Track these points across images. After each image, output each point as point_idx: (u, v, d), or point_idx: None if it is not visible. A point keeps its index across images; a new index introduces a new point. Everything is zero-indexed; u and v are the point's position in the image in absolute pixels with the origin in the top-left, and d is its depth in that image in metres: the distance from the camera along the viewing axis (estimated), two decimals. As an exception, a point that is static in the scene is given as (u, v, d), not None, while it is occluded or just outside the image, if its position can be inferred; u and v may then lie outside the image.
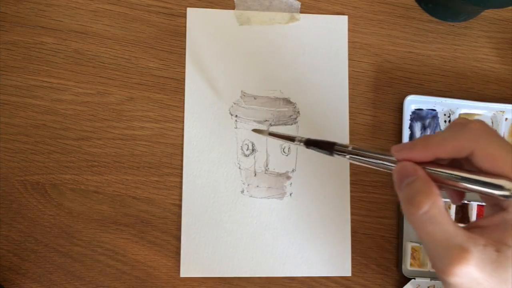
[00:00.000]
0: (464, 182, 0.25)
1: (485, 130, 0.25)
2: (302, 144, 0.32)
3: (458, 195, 0.29)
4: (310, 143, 0.31)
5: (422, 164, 0.26)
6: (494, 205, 0.27)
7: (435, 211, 0.25)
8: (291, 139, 0.33)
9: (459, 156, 0.26)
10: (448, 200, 0.41)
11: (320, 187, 0.41)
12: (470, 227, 0.26)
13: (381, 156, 0.28)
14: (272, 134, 0.37)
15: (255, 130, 0.39)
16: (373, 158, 0.28)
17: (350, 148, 0.29)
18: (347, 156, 0.29)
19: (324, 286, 0.41)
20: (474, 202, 0.41)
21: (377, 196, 0.42)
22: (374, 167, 0.28)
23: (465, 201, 0.41)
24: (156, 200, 0.40)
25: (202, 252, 0.40)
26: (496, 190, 0.24)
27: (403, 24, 0.44)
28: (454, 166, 0.26)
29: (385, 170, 0.28)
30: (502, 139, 0.25)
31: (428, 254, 0.26)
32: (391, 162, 0.27)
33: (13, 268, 0.39)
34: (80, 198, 0.40)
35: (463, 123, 0.26)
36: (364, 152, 0.28)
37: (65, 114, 0.40)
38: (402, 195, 0.26)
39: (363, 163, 0.28)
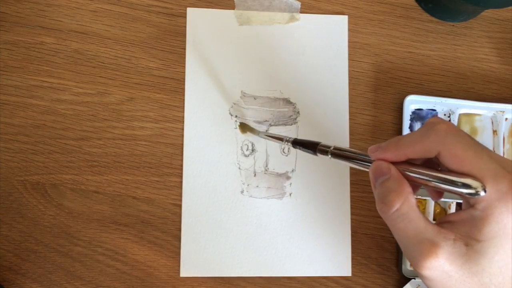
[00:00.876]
0: (434, 181, 0.26)
1: (451, 131, 0.26)
2: (289, 144, 0.35)
3: (437, 192, 0.30)
4: (296, 143, 0.34)
5: (396, 163, 0.27)
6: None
7: (406, 209, 0.26)
8: (280, 139, 0.36)
9: (429, 156, 0.27)
10: (449, 200, 0.41)
11: (320, 187, 0.42)
12: (441, 222, 0.27)
13: (359, 156, 0.29)
14: (262, 134, 0.39)
15: (244, 129, 0.41)
16: (352, 158, 0.29)
17: (331, 148, 0.30)
18: (329, 156, 0.30)
19: (324, 286, 0.41)
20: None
21: (377, 196, 0.42)
22: (355, 166, 0.30)
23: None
24: (156, 200, 0.40)
25: (202, 252, 0.40)
26: (464, 188, 0.25)
27: (403, 24, 0.44)
28: (430, 165, 0.28)
29: (364, 170, 0.29)
30: (469, 139, 0.26)
31: (402, 250, 0.27)
32: (369, 162, 0.28)
33: (13, 268, 0.39)
34: (80, 198, 0.40)
35: (433, 122, 0.27)
36: (344, 152, 0.30)
37: (65, 114, 0.40)
38: (376, 193, 0.27)
39: (344, 162, 0.30)
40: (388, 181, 0.27)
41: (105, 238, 0.40)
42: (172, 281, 0.40)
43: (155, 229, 0.40)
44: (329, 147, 0.31)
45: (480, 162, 0.25)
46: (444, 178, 0.25)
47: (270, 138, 0.38)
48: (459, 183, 0.25)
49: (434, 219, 0.41)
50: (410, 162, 0.27)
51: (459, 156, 0.25)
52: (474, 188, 0.25)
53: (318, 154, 0.31)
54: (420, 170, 0.26)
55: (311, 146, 0.32)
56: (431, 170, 0.26)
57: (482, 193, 0.24)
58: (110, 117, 0.41)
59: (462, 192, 0.25)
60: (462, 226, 0.26)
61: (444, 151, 0.26)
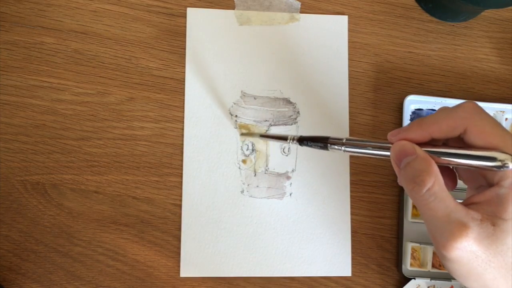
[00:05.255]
0: (458, 158, 0.26)
1: (477, 108, 0.27)
2: (295, 142, 0.33)
3: (451, 181, 0.30)
4: (304, 140, 0.33)
5: (417, 145, 0.27)
6: (479, 187, 0.28)
7: (437, 188, 0.26)
8: (283, 138, 0.34)
9: (453, 135, 0.27)
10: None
11: (320, 187, 0.42)
12: (467, 204, 0.27)
13: (377, 144, 0.29)
14: (263, 136, 0.38)
15: (244, 134, 0.40)
16: (368, 147, 0.29)
17: (344, 140, 0.30)
18: (343, 148, 0.30)
19: (324, 286, 0.41)
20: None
21: (377, 196, 0.42)
22: (371, 156, 0.29)
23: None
24: (156, 200, 0.40)
25: (202, 252, 0.40)
26: (489, 162, 0.25)
27: (403, 24, 0.44)
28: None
29: (382, 157, 0.29)
30: (491, 117, 0.27)
31: (429, 230, 0.27)
32: (387, 147, 0.28)
33: (13, 268, 0.39)
34: (80, 198, 0.40)
35: (453, 106, 0.27)
36: (358, 142, 0.29)
37: (65, 114, 0.40)
38: (404, 174, 0.27)
39: (359, 153, 0.29)
40: (415, 161, 0.26)
41: (105, 238, 0.40)
42: (172, 281, 0.40)
43: (155, 229, 0.40)
44: (341, 139, 0.30)
45: (506, 137, 0.25)
46: (470, 154, 0.25)
47: (273, 139, 0.37)
48: (485, 157, 0.25)
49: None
50: (429, 144, 0.27)
51: (487, 132, 0.26)
52: (501, 161, 0.25)
53: (330, 149, 0.30)
54: (443, 149, 0.26)
55: (321, 141, 0.31)
56: (454, 148, 0.26)
57: (510, 165, 0.24)
58: (110, 117, 0.41)
59: (488, 166, 0.25)
60: (488, 206, 0.26)
61: (472, 127, 0.26)
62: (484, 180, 0.28)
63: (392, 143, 0.28)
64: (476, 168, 0.26)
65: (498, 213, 0.25)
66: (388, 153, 0.28)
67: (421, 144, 0.27)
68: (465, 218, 0.25)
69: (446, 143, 0.29)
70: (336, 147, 0.30)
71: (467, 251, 0.25)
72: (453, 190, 0.32)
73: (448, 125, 0.27)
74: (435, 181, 0.26)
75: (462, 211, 0.25)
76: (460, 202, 0.26)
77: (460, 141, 0.27)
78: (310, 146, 0.32)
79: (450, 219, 0.25)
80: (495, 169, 0.25)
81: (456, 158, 0.26)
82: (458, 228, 0.25)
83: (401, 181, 0.28)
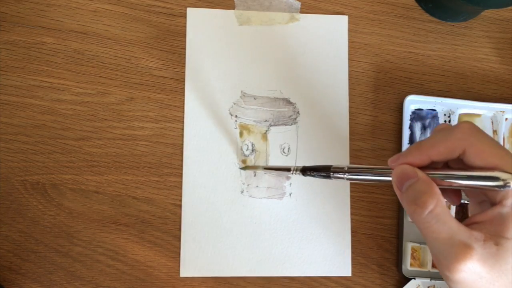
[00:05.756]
0: (460, 180, 0.26)
1: (474, 129, 0.27)
2: (298, 172, 0.34)
3: (456, 196, 0.30)
4: (306, 170, 0.33)
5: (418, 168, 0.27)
6: (482, 202, 0.28)
7: (439, 209, 0.26)
8: (286, 169, 0.34)
9: (452, 157, 0.27)
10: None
11: (320, 187, 0.41)
12: (469, 224, 0.27)
13: (378, 170, 0.29)
14: (267, 168, 0.39)
15: (247, 167, 0.40)
16: (370, 174, 0.29)
17: (345, 168, 0.30)
18: (345, 176, 0.30)
19: (324, 286, 0.41)
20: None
21: (377, 196, 0.42)
22: (374, 179, 0.29)
23: (466, 201, 0.41)
24: (156, 200, 0.40)
25: (202, 252, 0.40)
26: (491, 182, 0.25)
27: (403, 24, 0.44)
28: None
29: (385, 183, 0.29)
30: (489, 136, 0.27)
31: (433, 253, 0.27)
32: (389, 172, 0.28)
33: (13, 268, 0.39)
34: (80, 198, 0.40)
35: (450, 126, 0.28)
36: (360, 169, 0.29)
37: (65, 114, 0.40)
38: (406, 197, 0.27)
39: (362, 180, 0.29)
40: (417, 183, 0.26)
41: (105, 238, 0.40)
42: (172, 281, 0.40)
43: (155, 229, 0.40)
44: (342, 167, 0.30)
45: (506, 157, 0.25)
46: (471, 175, 0.26)
47: (275, 170, 0.38)
48: (487, 177, 0.25)
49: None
50: (430, 167, 0.27)
51: (486, 152, 0.26)
52: (504, 180, 0.25)
53: (333, 177, 0.31)
54: (444, 172, 0.27)
55: (323, 170, 0.31)
56: (454, 170, 0.27)
57: None
58: (110, 117, 0.41)
59: (490, 186, 0.25)
60: (491, 226, 0.26)
61: (470, 148, 0.26)
62: (486, 196, 0.28)
63: (393, 169, 0.28)
64: (478, 188, 0.26)
65: (501, 232, 0.25)
66: (389, 178, 0.28)
67: (422, 168, 0.27)
68: (469, 239, 0.25)
69: (446, 164, 0.29)
70: (338, 175, 0.30)
71: (471, 272, 0.25)
72: (458, 204, 0.32)
73: (446, 147, 0.27)
74: (437, 202, 0.26)
75: (465, 233, 0.25)
76: (462, 223, 0.26)
77: (460, 162, 0.27)
78: (314, 176, 0.32)
79: (453, 241, 0.25)
80: (497, 188, 0.25)
81: (457, 180, 0.26)
82: (462, 250, 0.25)
83: (403, 204, 0.28)
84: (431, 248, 0.27)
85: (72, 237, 0.39)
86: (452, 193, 0.30)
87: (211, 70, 0.42)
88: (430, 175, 0.27)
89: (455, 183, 0.26)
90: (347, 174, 0.30)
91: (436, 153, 0.27)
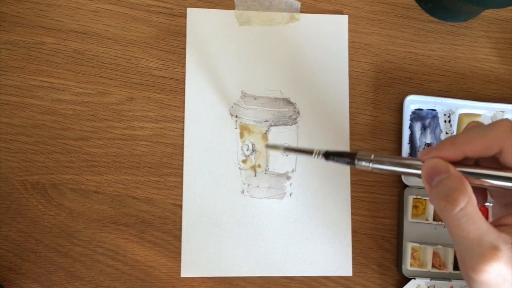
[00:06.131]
0: (495, 180, 0.25)
1: None
2: (321, 157, 0.31)
3: (482, 196, 0.29)
4: (330, 155, 0.31)
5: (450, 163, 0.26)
6: (507, 204, 0.28)
7: (470, 208, 0.25)
8: (308, 152, 0.32)
9: (488, 154, 0.26)
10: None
11: (320, 187, 0.41)
12: (497, 224, 0.26)
13: (407, 162, 0.28)
14: (287, 149, 0.36)
15: (269, 146, 0.39)
16: (398, 165, 0.28)
17: (372, 157, 0.29)
18: (370, 165, 0.29)
19: (324, 286, 0.41)
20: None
21: (377, 196, 0.42)
22: (401, 171, 0.28)
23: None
24: (156, 200, 0.40)
25: (202, 252, 0.40)
26: None
27: (403, 24, 0.44)
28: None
29: (411, 175, 0.28)
30: None
31: (458, 251, 0.26)
32: (418, 165, 0.27)
33: (13, 268, 0.39)
34: (80, 198, 0.40)
35: (484, 124, 0.27)
36: (387, 159, 0.28)
37: (65, 114, 0.40)
38: (436, 192, 0.26)
39: (387, 170, 0.28)
40: (449, 179, 0.26)
41: (105, 238, 0.40)
42: (172, 281, 0.40)
43: (155, 229, 0.40)
44: (369, 155, 0.29)
45: None
46: (505, 176, 0.25)
47: (297, 152, 0.36)
48: None
49: (434, 219, 0.41)
50: (461, 163, 0.27)
51: None
52: None
53: (357, 165, 0.29)
54: (477, 170, 0.26)
55: (348, 156, 0.30)
56: (488, 168, 0.26)
57: None
58: (110, 117, 0.41)
59: None
60: None
61: (509, 147, 0.25)
62: None
63: (423, 161, 0.27)
64: (509, 190, 0.25)
65: None
66: (417, 171, 0.27)
67: (453, 163, 0.26)
68: (497, 241, 0.25)
69: (477, 161, 0.28)
70: (363, 163, 0.29)
71: (497, 274, 0.24)
72: (483, 205, 0.31)
73: (483, 144, 0.26)
74: (469, 201, 0.25)
75: (494, 234, 0.25)
76: (490, 223, 0.26)
77: (492, 161, 0.27)
78: (337, 161, 0.31)
79: (482, 242, 0.25)
80: None
81: (491, 179, 0.25)
82: (489, 251, 0.24)
83: (432, 199, 0.27)
84: (457, 247, 0.26)
85: (72, 237, 0.39)
86: (477, 193, 0.28)
87: (211, 70, 0.42)
88: (462, 172, 0.26)
89: (487, 182, 0.25)
90: (372, 163, 0.28)
91: (471, 149, 0.26)
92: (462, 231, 0.25)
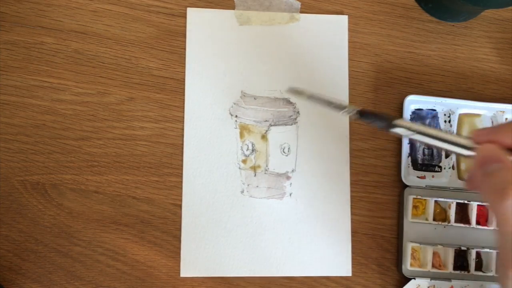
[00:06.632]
0: None
1: None
2: (354, 113, 0.29)
3: None
4: (365, 113, 0.29)
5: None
6: None
7: None
8: (338, 106, 0.29)
9: None
10: (449, 200, 0.41)
11: (320, 187, 0.41)
12: None
13: (453, 141, 0.26)
14: (312, 97, 0.32)
15: (291, 90, 0.36)
16: (442, 140, 0.26)
17: (412, 128, 0.27)
18: (408, 134, 0.27)
19: (324, 286, 0.41)
20: (474, 202, 0.41)
21: (377, 196, 0.42)
22: (443, 147, 0.26)
23: (466, 201, 0.41)
24: (156, 200, 0.40)
25: (202, 252, 0.40)
26: None
27: (403, 24, 0.44)
28: None
29: (456, 151, 0.26)
30: None
31: (500, 245, 0.25)
32: (467, 147, 0.26)
33: (13, 268, 0.39)
34: (80, 198, 0.40)
35: None
36: (429, 132, 0.26)
37: (65, 114, 0.40)
38: (488, 181, 0.25)
39: (426, 144, 0.27)
40: (503, 171, 0.25)
41: (105, 238, 0.40)
42: (172, 281, 0.40)
43: (155, 229, 0.40)
44: (408, 125, 0.27)
45: None
46: None
47: (323, 104, 0.32)
48: None
49: (434, 219, 0.41)
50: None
51: None
52: None
53: (391, 132, 0.27)
54: None
55: (386, 120, 0.28)
56: None
57: None
58: (110, 117, 0.41)
59: None
60: None
61: None
62: None
63: (476, 142, 0.26)
64: None
65: None
66: (465, 152, 0.26)
67: (510, 150, 0.25)
68: None
69: None
70: (400, 130, 0.27)
71: None
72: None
73: None
74: None
75: None
76: None
77: None
78: (370, 123, 0.29)
79: None
80: None
81: None
82: None
83: (481, 187, 0.26)
84: (501, 241, 0.25)
85: (72, 237, 0.39)
86: None
87: (211, 70, 0.42)
88: None
89: None
90: (412, 133, 0.27)
91: None
92: (509, 226, 0.24)
